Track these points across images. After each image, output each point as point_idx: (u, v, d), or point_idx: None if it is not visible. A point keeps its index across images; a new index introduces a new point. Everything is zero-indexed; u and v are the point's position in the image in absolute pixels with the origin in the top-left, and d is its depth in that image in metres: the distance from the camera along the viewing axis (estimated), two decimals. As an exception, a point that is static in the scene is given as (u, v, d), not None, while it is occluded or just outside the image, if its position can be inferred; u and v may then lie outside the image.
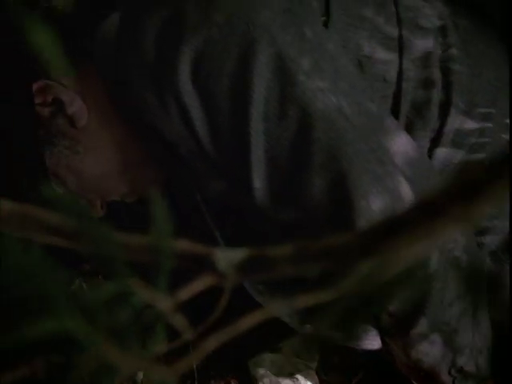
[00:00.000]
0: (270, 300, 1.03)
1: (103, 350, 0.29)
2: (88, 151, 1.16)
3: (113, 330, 0.31)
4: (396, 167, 0.94)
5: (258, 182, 0.98)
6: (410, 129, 1.04)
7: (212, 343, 0.36)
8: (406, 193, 0.93)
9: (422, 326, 0.96)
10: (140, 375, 1.25)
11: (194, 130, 0.98)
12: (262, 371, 1.27)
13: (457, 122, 1.05)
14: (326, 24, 1.01)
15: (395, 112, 1.05)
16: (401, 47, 1.05)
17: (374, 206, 0.91)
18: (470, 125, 1.07)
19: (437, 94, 1.05)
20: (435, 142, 1.05)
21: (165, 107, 0.98)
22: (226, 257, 0.45)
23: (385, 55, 1.05)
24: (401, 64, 1.05)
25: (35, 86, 1.12)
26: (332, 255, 0.38)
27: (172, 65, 0.94)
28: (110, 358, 0.30)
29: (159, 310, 0.38)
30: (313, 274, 0.40)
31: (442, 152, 1.05)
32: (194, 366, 1.32)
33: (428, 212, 0.32)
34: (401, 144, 0.95)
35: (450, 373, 1.01)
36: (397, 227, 0.34)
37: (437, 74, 1.06)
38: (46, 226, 0.49)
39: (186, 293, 0.44)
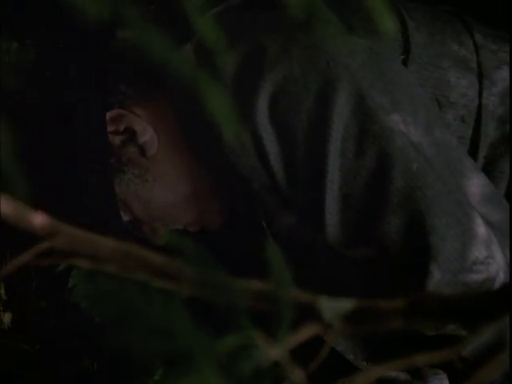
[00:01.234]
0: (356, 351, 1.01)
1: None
2: (157, 180, 1.17)
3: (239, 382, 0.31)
4: (474, 209, 0.93)
5: (331, 218, 0.97)
6: (488, 170, 1.03)
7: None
8: (483, 235, 0.92)
9: (498, 373, 0.93)
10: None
11: (269, 164, 0.99)
12: (321, 408, 1.25)
13: None
14: (405, 62, 1.01)
15: (473, 153, 1.04)
16: (480, 81, 1.04)
17: (451, 248, 0.90)
18: None
19: None
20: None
21: (240, 140, 0.99)
22: (333, 306, 0.44)
23: (464, 93, 1.04)
24: (480, 99, 1.04)
25: (109, 115, 1.14)
26: (451, 314, 0.38)
27: (250, 99, 0.95)
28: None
29: (272, 357, 0.38)
30: (426, 331, 0.39)
31: None
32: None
33: None
34: (479, 186, 0.94)
35: None
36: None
37: None
38: (149, 266, 0.49)
39: (293, 341, 0.44)
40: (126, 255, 0.50)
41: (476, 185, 0.95)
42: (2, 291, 1.39)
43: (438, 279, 0.91)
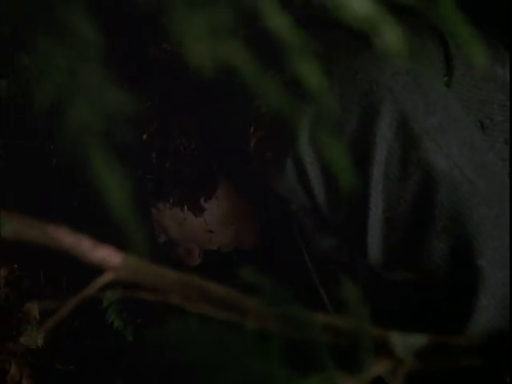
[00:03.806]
0: None
1: None
2: (193, 201, 1.16)
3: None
4: (521, 233, 0.91)
5: (374, 242, 0.96)
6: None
7: None
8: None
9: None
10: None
11: (309, 187, 0.98)
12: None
13: None
14: (448, 84, 1.00)
15: None
16: None
17: (499, 273, 0.89)
18: None
19: None
20: None
21: (281, 163, 0.98)
22: (405, 341, 0.44)
23: (507, 114, 1.03)
24: None
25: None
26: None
27: (293, 122, 0.94)
28: None
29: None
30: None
31: None
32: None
33: None
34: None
35: None
36: None
37: None
38: (212, 298, 0.49)
39: (368, 376, 0.43)
40: (188, 286, 0.49)
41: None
42: (36, 312, 1.40)
43: (485, 304, 0.89)
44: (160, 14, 0.28)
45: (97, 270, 0.49)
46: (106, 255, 0.48)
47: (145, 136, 1.14)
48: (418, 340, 0.43)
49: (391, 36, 0.27)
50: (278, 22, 0.26)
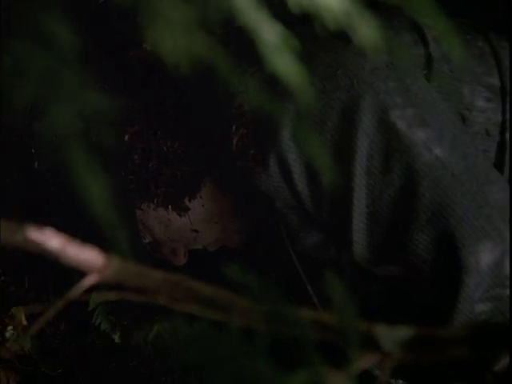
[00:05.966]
0: None
1: None
2: (178, 202, 1.16)
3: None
4: (504, 223, 0.92)
5: (358, 236, 0.97)
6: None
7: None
8: (514, 248, 0.91)
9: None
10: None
11: (293, 184, 0.98)
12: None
13: None
14: (427, 77, 1.01)
15: (499, 165, 1.03)
16: (503, 96, 1.04)
17: (482, 263, 0.89)
18: None
19: None
20: None
21: (263, 160, 0.98)
22: (391, 334, 0.44)
23: (486, 107, 1.04)
24: (504, 113, 1.04)
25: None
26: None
27: (275, 119, 0.94)
28: None
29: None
30: (493, 362, 0.38)
31: None
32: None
33: None
34: (507, 198, 0.94)
35: None
36: None
37: None
38: (199, 297, 0.49)
39: (355, 370, 0.43)
40: (175, 286, 0.49)
41: (504, 198, 0.94)
42: (22, 316, 1.38)
43: (470, 295, 0.90)
44: (137, 12, 0.28)
45: (81, 272, 0.49)
46: (91, 257, 0.47)
47: (126, 137, 1.13)
48: (405, 332, 0.43)
49: (367, 31, 0.27)
50: (254, 19, 0.26)
